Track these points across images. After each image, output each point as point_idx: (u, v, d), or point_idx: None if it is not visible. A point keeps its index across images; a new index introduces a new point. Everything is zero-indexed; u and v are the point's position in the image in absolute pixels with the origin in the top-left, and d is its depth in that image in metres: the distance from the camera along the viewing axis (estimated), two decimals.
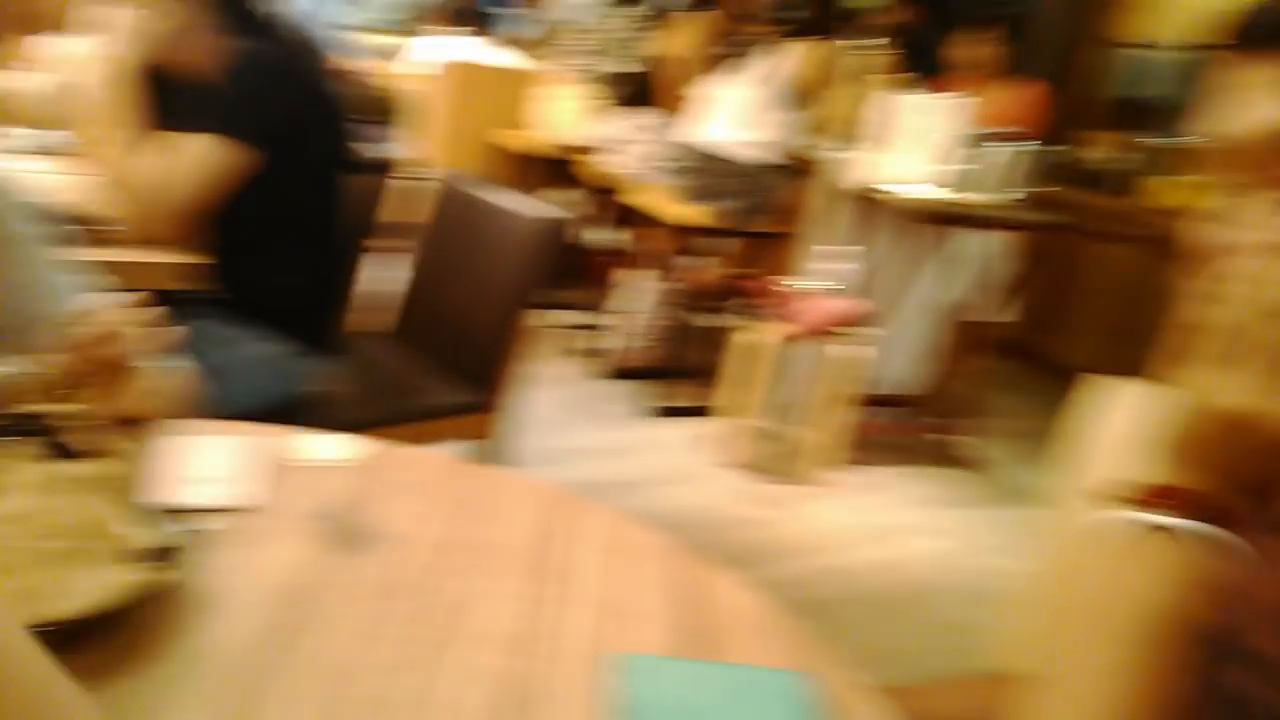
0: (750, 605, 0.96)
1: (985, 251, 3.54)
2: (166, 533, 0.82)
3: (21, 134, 2.44)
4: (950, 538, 2.94)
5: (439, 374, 2.12)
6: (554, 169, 4.90)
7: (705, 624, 0.91)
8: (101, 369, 0.86)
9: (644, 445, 3.25)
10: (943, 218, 3.23)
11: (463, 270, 2.13)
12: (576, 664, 0.82)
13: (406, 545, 0.95)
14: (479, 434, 2.05)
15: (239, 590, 0.84)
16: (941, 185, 3.27)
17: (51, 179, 2.01)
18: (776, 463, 3.19)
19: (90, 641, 0.73)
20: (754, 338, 3.11)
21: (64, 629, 0.70)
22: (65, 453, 0.72)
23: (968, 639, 2.34)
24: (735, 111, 3.44)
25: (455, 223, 2.20)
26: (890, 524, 2.98)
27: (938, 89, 3.49)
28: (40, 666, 0.35)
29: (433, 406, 2.01)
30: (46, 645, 0.73)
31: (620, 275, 4.07)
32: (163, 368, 0.93)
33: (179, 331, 0.93)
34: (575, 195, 4.90)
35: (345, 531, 0.95)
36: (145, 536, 0.80)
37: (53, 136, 2.45)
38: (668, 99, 4.00)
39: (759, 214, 3.47)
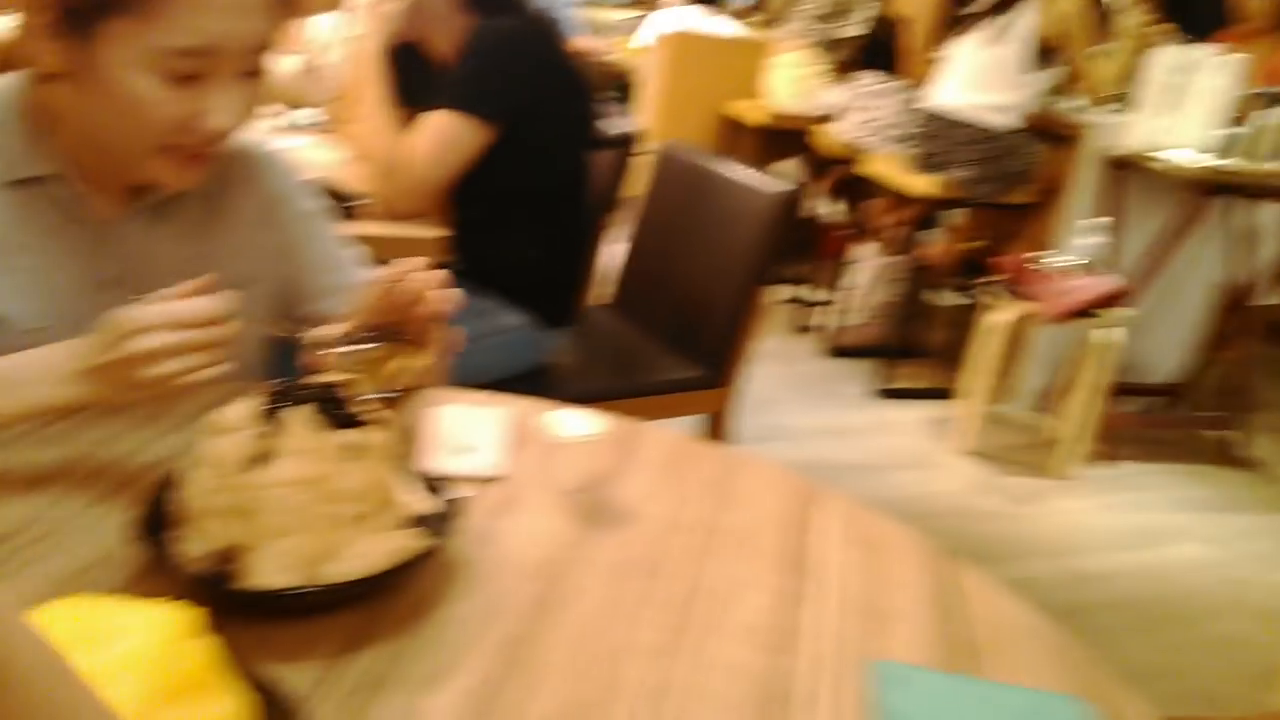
0: (1012, 612, 0.87)
1: (1260, 225, 3.15)
2: (437, 500, 0.83)
3: (280, 113, 2.63)
4: (1217, 545, 2.65)
5: (665, 348, 2.11)
6: (779, 139, 4.80)
7: (963, 631, 0.83)
8: (401, 336, 0.89)
9: (872, 428, 3.13)
10: (1214, 187, 2.90)
11: (689, 243, 2.10)
12: (837, 668, 0.76)
13: (654, 525, 0.93)
14: (708, 410, 2.02)
15: (494, 560, 0.84)
16: (1212, 151, 2.93)
17: (306, 156, 2.16)
18: (1020, 453, 2.99)
19: (361, 603, 0.76)
20: (999, 317, 2.91)
21: (342, 590, 0.73)
22: (350, 420, 0.74)
23: (1243, 657, 2.10)
24: (975, 73, 3.21)
25: (678, 195, 2.17)
26: (1148, 526, 2.72)
27: (1208, 43, 3.11)
28: (54, 672, 0.32)
29: (664, 382, 2.00)
30: (325, 604, 0.76)
31: (848, 249, 3.92)
32: (447, 335, 0.94)
33: (460, 298, 0.93)
34: (800, 166, 4.78)
35: (592, 507, 0.94)
36: (420, 503, 0.81)
37: (304, 114, 2.62)
38: (901, 62, 3.80)
39: (1001, 184, 3.23)
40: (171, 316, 0.79)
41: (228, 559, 0.72)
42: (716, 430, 2.04)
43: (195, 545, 0.73)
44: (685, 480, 1.02)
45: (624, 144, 2.26)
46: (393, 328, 0.88)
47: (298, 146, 2.13)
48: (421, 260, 0.89)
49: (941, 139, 3.25)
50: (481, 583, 0.81)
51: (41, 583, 0.74)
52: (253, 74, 0.91)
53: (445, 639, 0.74)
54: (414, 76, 2.06)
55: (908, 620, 0.83)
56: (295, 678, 0.67)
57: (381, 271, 0.90)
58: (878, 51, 3.85)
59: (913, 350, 3.73)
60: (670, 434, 1.12)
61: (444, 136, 1.77)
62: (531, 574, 0.83)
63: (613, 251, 2.37)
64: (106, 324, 0.81)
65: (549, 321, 1.93)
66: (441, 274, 0.91)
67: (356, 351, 0.88)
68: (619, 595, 0.82)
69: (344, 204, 1.78)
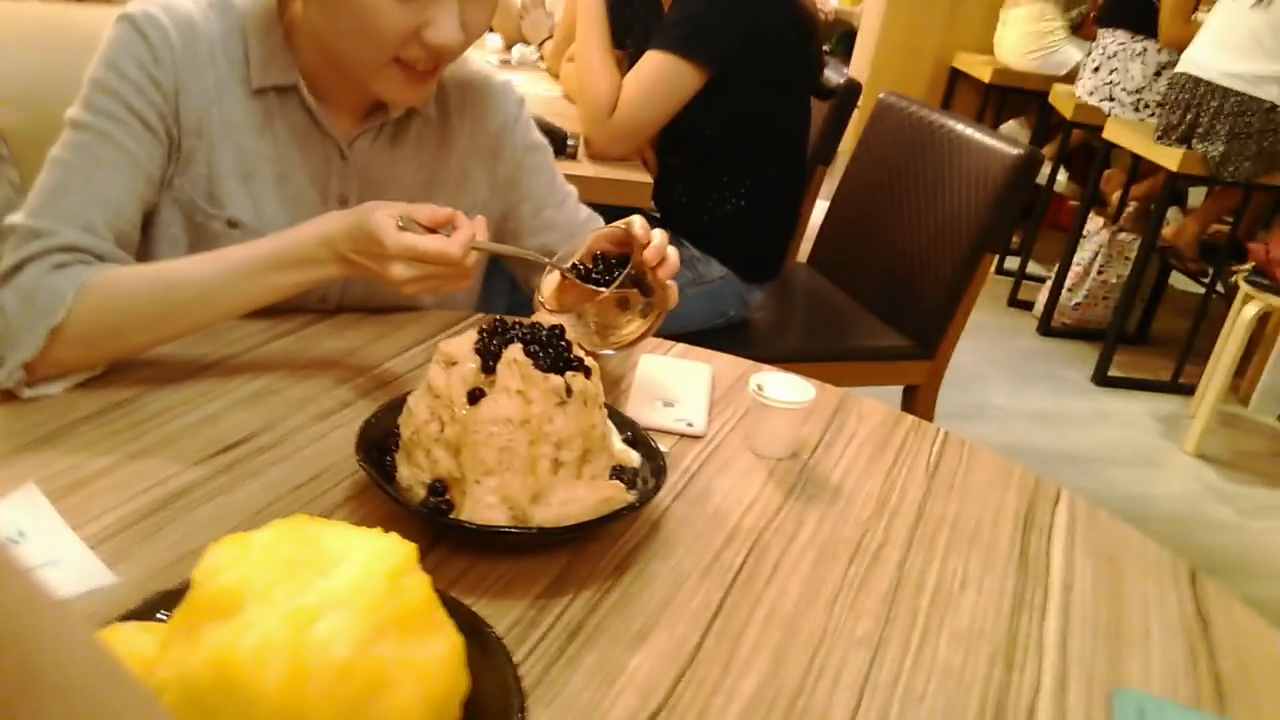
0: (1265, 642, 0.77)
1: None
2: (647, 453, 0.81)
3: (502, 47, 2.66)
4: None
5: (868, 312, 2.02)
6: (1005, 97, 4.49)
7: (1209, 660, 0.73)
8: (636, 287, 0.90)
9: (1088, 417, 2.91)
10: None
11: (905, 203, 1.98)
12: (1067, 690, 0.69)
13: (864, 504, 0.87)
14: (910, 381, 1.92)
15: (696, 522, 0.81)
16: None
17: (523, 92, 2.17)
18: (1256, 460, 2.71)
19: (565, 549, 0.74)
20: (1245, 309, 2.62)
21: (550, 535, 0.72)
22: (564, 363, 0.72)
23: None
24: (1242, 38, 2.85)
25: (896, 150, 2.04)
26: None
27: None
28: (111, 682, 0.29)
29: (866, 348, 1.91)
30: (531, 546, 0.76)
31: (1075, 221, 3.64)
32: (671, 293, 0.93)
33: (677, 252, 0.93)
34: (1026, 128, 4.46)
35: (798, 477, 0.90)
36: (629, 455, 0.79)
37: (522, 50, 2.65)
38: (1156, 20, 3.44)
39: (1260, 162, 2.88)
40: (420, 252, 0.83)
41: (440, 490, 0.72)
42: (917, 403, 1.94)
43: (411, 472, 0.74)
44: (899, 459, 0.96)
45: (841, 94, 2.15)
46: (630, 279, 0.88)
47: (515, 83, 2.16)
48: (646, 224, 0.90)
49: (1195, 108, 2.92)
50: (683, 544, 0.78)
51: (264, 490, 0.77)
52: None
53: (644, 597, 0.71)
54: (636, 18, 2.03)
55: (1148, 644, 0.75)
56: (495, 617, 0.66)
57: (618, 224, 0.91)
58: (1129, 6, 3.50)
59: (1139, 337, 3.43)
60: (883, 407, 1.06)
61: (655, 78, 1.73)
62: (734, 541, 0.79)
63: (817, 207, 2.27)
64: (364, 226, 0.83)
65: (749, 275, 1.88)
66: (665, 234, 0.91)
67: (589, 293, 0.87)
68: (825, 576, 0.77)
69: (556, 143, 1.78)
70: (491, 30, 2.69)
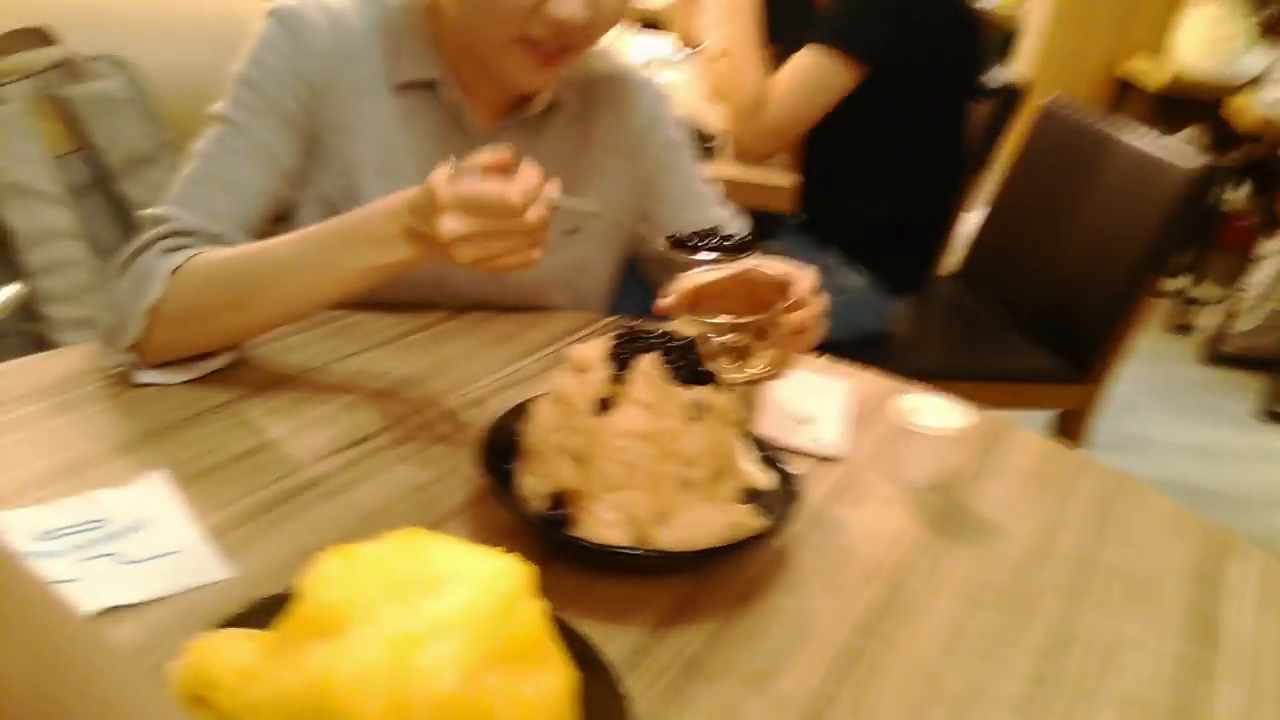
0: None
1: None
2: (779, 476, 0.75)
3: (650, 42, 2.63)
4: None
5: (1019, 331, 1.90)
6: (1177, 106, 4.20)
7: None
8: (762, 326, 0.84)
9: (1254, 454, 2.67)
10: None
11: (1065, 216, 1.85)
12: None
13: (1018, 546, 0.79)
14: (1063, 406, 1.79)
15: (831, 553, 0.75)
16: None
17: (670, 89, 2.14)
18: None
19: (689, 574, 0.70)
20: None
21: (673, 558, 0.67)
22: (698, 375, 0.68)
23: None
24: None
25: (1058, 159, 1.91)
26: None
27: None
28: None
29: (1016, 369, 1.80)
30: (653, 569, 0.72)
31: (1251, 242, 3.36)
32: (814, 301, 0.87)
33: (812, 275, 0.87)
34: (1200, 139, 4.17)
35: (945, 511, 0.83)
36: (761, 478, 0.74)
37: (672, 45, 2.61)
38: None
39: None
40: (472, 198, 0.73)
41: (562, 503, 0.69)
42: (1068, 430, 1.81)
43: (532, 482, 0.70)
44: (1059, 498, 0.87)
45: (1001, 98, 2.03)
46: (755, 317, 0.82)
47: (663, 79, 2.12)
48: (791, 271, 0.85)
49: None
50: (815, 578, 0.72)
51: (385, 489, 0.75)
52: None
53: (770, 634, 0.66)
54: (788, 14, 1.96)
55: None
56: (608, 642, 0.62)
57: (783, 272, 0.85)
58: None
59: None
60: (1044, 440, 0.97)
61: (808, 75, 1.66)
62: (871, 577, 0.73)
63: (967, 217, 2.16)
64: (424, 189, 0.76)
65: (893, 286, 1.79)
66: (810, 272, 0.86)
67: (713, 327, 0.81)
68: (972, 625, 0.70)
69: (702, 142, 1.73)
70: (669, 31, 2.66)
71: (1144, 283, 1.65)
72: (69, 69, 1.16)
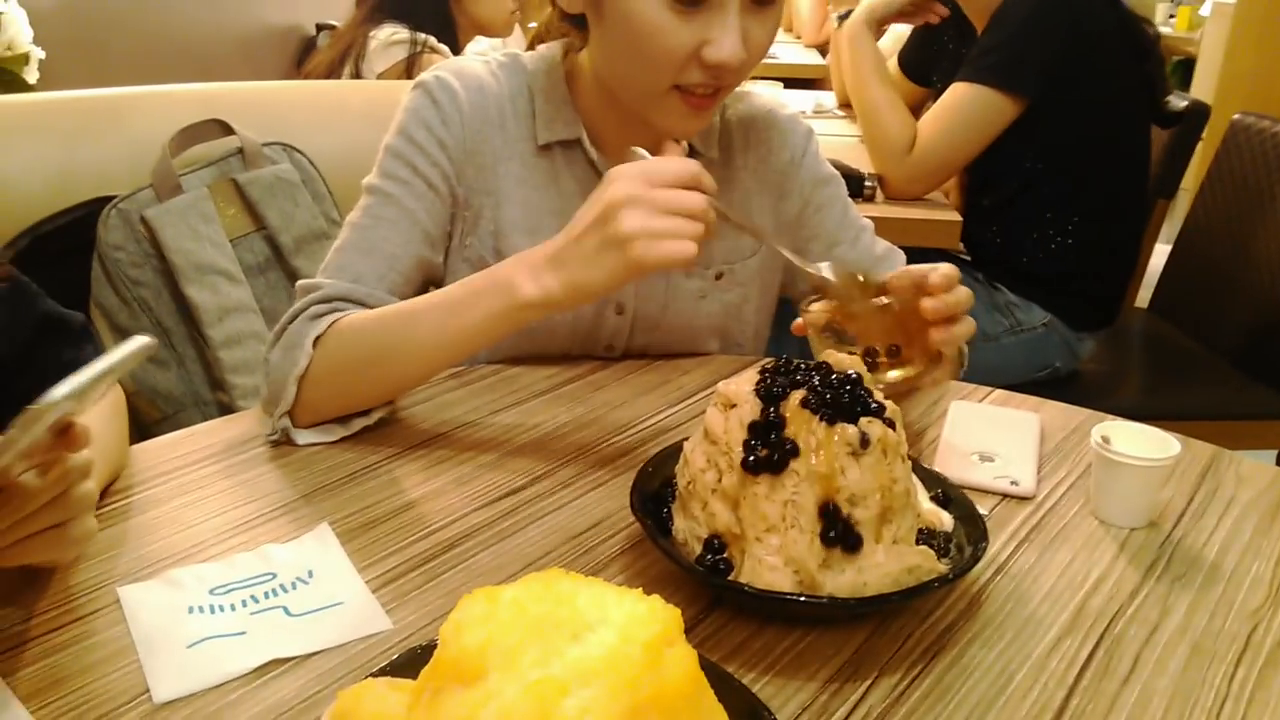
0: None
1: None
2: (962, 515, 0.69)
3: (807, 96, 2.61)
4: None
5: (1226, 365, 1.73)
6: None
7: None
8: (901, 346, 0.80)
9: None
10: None
11: (1270, 236, 1.68)
12: None
13: (1252, 590, 0.69)
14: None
15: (1026, 601, 0.67)
16: None
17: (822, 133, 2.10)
18: None
19: (862, 623, 0.64)
20: None
21: (843, 606, 0.61)
22: (857, 410, 0.62)
23: None
24: None
25: (1256, 180, 1.75)
26: None
27: None
28: None
29: (1233, 406, 1.63)
30: (821, 618, 0.66)
31: None
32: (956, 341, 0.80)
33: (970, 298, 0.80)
34: None
35: (1158, 551, 0.73)
36: (941, 517, 0.67)
37: (830, 101, 2.58)
38: None
39: None
40: (651, 165, 0.77)
41: (718, 547, 0.64)
42: None
43: (687, 526, 0.66)
44: None
45: (1184, 121, 1.87)
46: (895, 337, 0.79)
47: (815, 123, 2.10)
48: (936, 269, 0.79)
49: None
50: (1011, 628, 0.64)
51: (543, 538, 0.73)
52: (762, 3, 0.85)
53: (963, 691, 0.59)
54: (945, 53, 1.90)
55: None
56: (777, 699, 0.57)
57: (923, 268, 0.79)
58: None
59: None
60: (1270, 468, 0.85)
61: (961, 111, 1.59)
62: (1077, 628, 0.64)
63: (1157, 248, 2.00)
64: (596, 199, 0.78)
65: (1079, 322, 1.67)
66: (952, 272, 0.79)
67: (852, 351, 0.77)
68: (1203, 680, 0.60)
69: (853, 185, 1.69)
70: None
71: None
72: (245, 156, 1.24)
